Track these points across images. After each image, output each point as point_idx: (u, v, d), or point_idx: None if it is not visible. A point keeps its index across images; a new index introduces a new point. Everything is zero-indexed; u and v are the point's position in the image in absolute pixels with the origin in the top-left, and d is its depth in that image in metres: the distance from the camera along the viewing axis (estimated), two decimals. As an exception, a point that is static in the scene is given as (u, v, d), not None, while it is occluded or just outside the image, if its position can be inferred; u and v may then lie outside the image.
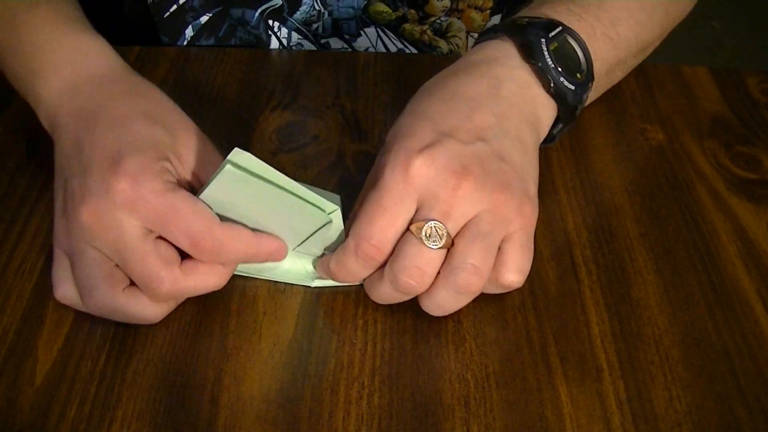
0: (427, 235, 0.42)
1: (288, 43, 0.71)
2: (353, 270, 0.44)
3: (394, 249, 0.43)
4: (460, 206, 0.43)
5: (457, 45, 0.72)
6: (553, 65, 0.48)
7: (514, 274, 0.44)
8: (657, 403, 0.42)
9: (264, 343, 0.44)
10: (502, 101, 0.47)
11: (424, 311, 0.46)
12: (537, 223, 0.46)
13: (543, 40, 0.48)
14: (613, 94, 0.63)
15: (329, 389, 0.42)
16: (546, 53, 0.48)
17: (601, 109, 0.62)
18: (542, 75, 0.48)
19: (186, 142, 0.45)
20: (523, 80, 0.49)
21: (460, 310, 0.46)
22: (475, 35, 0.72)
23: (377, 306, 0.46)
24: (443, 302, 0.44)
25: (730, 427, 0.41)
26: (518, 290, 0.47)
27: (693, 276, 0.49)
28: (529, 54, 0.48)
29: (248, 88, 0.61)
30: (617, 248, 0.50)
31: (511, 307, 0.47)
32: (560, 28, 0.49)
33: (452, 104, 0.47)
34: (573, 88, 0.49)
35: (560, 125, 0.51)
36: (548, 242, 0.50)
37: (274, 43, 0.71)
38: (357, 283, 0.47)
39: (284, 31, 0.70)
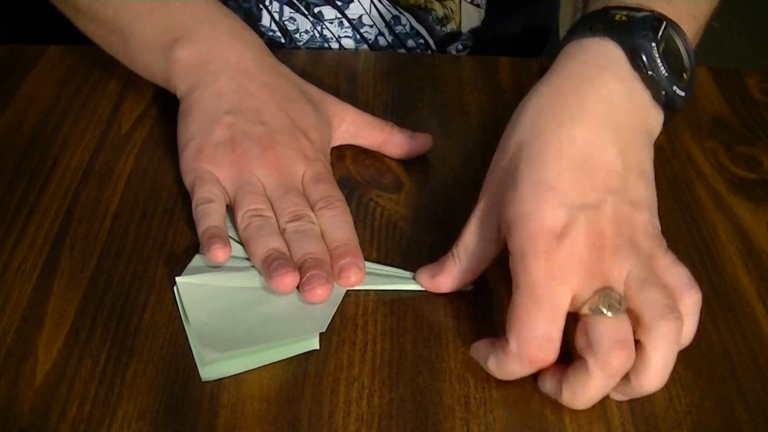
0: (606, 305, 0.39)
1: (280, 18, 0.70)
2: (516, 373, 0.41)
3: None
4: (611, 271, 0.40)
5: (451, 9, 0.72)
6: (666, 74, 0.44)
7: (691, 287, 0.42)
8: (657, 403, 0.42)
9: (264, 343, 0.44)
10: (622, 130, 0.43)
11: (423, 312, 0.46)
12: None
13: (653, 44, 0.44)
14: (613, 94, 0.63)
15: (329, 389, 0.42)
16: (659, 60, 0.44)
17: (601, 109, 0.61)
18: (654, 84, 0.44)
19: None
20: (634, 94, 0.45)
21: (460, 310, 0.46)
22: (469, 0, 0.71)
23: (377, 306, 0.46)
24: (669, 359, 0.40)
25: (730, 427, 0.41)
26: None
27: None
28: (640, 61, 0.44)
29: (248, 88, 0.61)
30: (617, 248, 0.50)
31: (511, 307, 0.47)
32: (664, 23, 0.45)
33: (572, 164, 0.42)
34: (684, 94, 0.45)
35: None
36: (548, 242, 0.50)
37: (266, 18, 0.70)
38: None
39: (275, 5, 0.69)
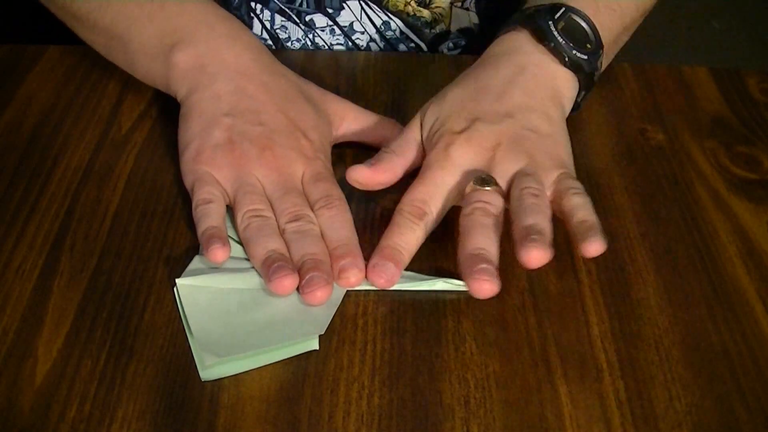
0: (479, 182, 0.48)
1: (271, 26, 0.70)
2: (405, 231, 0.47)
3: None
4: (500, 166, 0.49)
5: (440, 14, 0.72)
6: (563, 41, 0.54)
7: (577, 191, 0.48)
8: (657, 403, 0.42)
9: (264, 343, 0.44)
10: (527, 83, 0.53)
11: (423, 312, 0.46)
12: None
13: (550, 22, 0.54)
14: (613, 94, 0.63)
15: (329, 389, 0.42)
16: (555, 33, 0.54)
17: (601, 109, 0.62)
18: (556, 52, 0.54)
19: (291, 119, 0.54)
20: (541, 62, 0.54)
21: (460, 310, 0.46)
22: (458, 4, 0.72)
23: (377, 306, 0.46)
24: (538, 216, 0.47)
25: (730, 427, 0.41)
26: (518, 290, 0.47)
27: (693, 276, 0.49)
28: (542, 37, 0.54)
29: (248, 88, 0.61)
30: (617, 248, 0.50)
31: (511, 307, 0.47)
32: (563, 8, 0.55)
33: (482, 94, 0.53)
34: (586, 57, 0.54)
35: (582, 93, 0.56)
36: (548, 242, 0.50)
37: (257, 27, 0.70)
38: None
39: (267, 13, 0.69)
